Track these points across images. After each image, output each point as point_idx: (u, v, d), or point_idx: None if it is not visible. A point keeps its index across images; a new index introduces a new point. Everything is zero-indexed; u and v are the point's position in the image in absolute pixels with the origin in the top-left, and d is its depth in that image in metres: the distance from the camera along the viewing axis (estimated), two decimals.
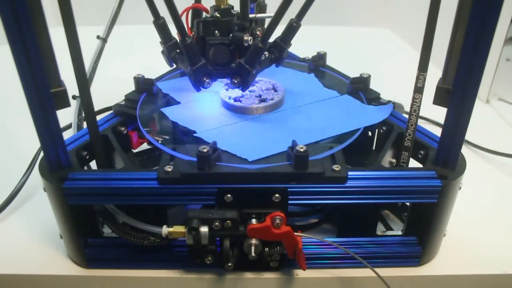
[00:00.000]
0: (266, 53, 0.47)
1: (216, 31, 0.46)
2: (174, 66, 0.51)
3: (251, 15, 0.47)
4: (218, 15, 0.45)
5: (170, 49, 0.48)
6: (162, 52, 0.50)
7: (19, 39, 0.34)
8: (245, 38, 0.45)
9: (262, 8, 0.55)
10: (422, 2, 0.40)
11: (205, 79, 0.46)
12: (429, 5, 0.37)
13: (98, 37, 0.67)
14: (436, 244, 0.46)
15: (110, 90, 0.58)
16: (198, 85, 0.47)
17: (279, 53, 0.48)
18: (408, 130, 0.43)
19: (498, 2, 0.33)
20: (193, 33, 0.48)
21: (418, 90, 0.41)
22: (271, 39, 0.46)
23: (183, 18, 0.47)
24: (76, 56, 0.39)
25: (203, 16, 0.50)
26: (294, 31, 0.46)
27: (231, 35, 0.46)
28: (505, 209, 0.54)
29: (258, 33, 0.47)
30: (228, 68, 0.46)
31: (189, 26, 0.50)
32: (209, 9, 0.48)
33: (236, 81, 0.46)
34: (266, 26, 0.45)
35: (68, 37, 0.38)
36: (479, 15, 0.34)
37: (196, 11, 0.52)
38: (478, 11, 0.34)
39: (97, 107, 0.45)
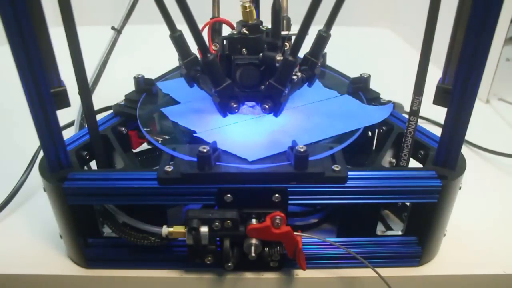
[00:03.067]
0: (298, 74, 0.42)
1: (244, 49, 0.42)
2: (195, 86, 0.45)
3: (283, 33, 0.43)
4: (246, 31, 0.41)
5: (189, 66, 0.43)
6: (181, 71, 0.44)
7: (19, 39, 0.34)
8: (278, 58, 0.40)
9: (287, 23, 0.51)
10: (422, 2, 0.40)
11: (232, 103, 0.42)
12: (429, 5, 0.37)
13: (112, 27, 0.66)
14: (436, 244, 0.46)
15: (110, 90, 0.58)
16: (225, 109, 0.42)
17: (311, 70, 0.43)
18: (404, 151, 0.44)
19: (498, 2, 0.33)
20: (214, 50, 0.44)
21: (413, 113, 0.41)
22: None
23: (204, 33, 0.42)
24: (76, 56, 0.39)
25: (222, 31, 0.46)
26: (324, 42, 0.42)
27: (260, 54, 0.41)
28: (505, 209, 0.54)
29: (285, 48, 0.43)
30: (257, 91, 0.42)
31: (211, 42, 0.46)
32: (235, 24, 0.44)
33: (267, 106, 0.42)
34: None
35: (68, 37, 0.38)
36: (479, 15, 0.34)
37: (215, 25, 0.47)
38: (478, 11, 0.34)
39: (97, 107, 0.45)
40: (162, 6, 0.39)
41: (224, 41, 0.42)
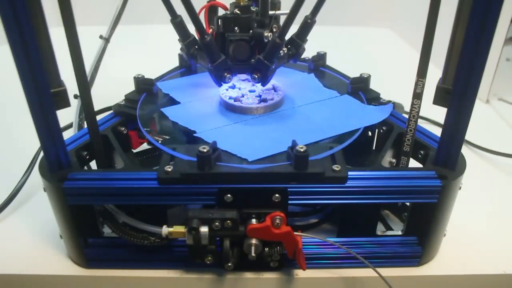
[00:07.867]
0: (284, 49, 0.48)
1: (236, 28, 0.47)
2: (194, 62, 0.52)
3: (270, 12, 0.49)
4: (238, 11, 0.47)
5: (189, 46, 0.49)
6: (181, 49, 0.50)
7: (19, 39, 0.34)
8: (265, 34, 0.46)
9: (276, 6, 0.56)
10: (422, 2, 0.40)
11: (226, 74, 0.48)
12: (429, 5, 0.37)
13: (101, 36, 0.66)
14: (436, 244, 0.46)
15: (110, 90, 0.58)
16: (220, 80, 0.48)
17: (295, 49, 0.49)
18: (407, 136, 0.43)
19: (498, 2, 0.33)
20: (211, 30, 0.49)
21: (417, 96, 0.41)
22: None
23: (201, 16, 0.47)
24: (76, 56, 0.39)
25: (218, 12, 0.51)
26: (309, 27, 0.48)
27: (251, 31, 0.47)
28: (505, 209, 0.54)
29: (274, 30, 0.48)
30: (248, 64, 0.48)
31: (207, 23, 0.50)
32: (228, 6, 0.50)
33: (256, 76, 0.48)
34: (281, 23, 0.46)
35: (68, 37, 0.38)
36: (479, 15, 0.34)
37: (212, 7, 0.52)
38: (478, 11, 0.34)
39: (97, 107, 0.45)
40: None
41: (219, 20, 0.48)
